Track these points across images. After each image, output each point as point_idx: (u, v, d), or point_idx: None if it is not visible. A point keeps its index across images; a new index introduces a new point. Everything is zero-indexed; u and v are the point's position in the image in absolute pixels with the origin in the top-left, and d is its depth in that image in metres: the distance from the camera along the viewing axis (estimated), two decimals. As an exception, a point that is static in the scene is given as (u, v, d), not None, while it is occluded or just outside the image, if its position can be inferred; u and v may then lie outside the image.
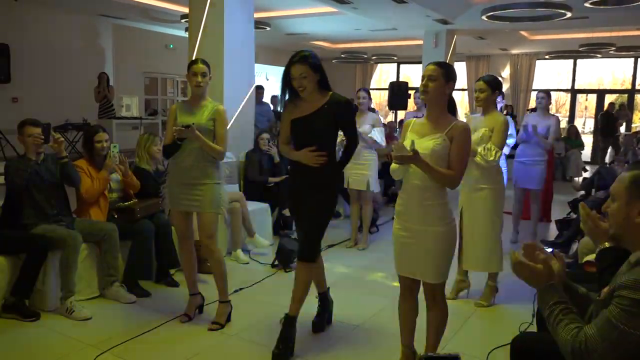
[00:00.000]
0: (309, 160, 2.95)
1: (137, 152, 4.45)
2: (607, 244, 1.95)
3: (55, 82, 10.20)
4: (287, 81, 2.95)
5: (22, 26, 9.78)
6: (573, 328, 1.57)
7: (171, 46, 12.69)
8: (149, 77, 13.06)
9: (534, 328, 3.11)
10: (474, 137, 3.66)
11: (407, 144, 2.51)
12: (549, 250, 4.21)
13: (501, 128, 3.73)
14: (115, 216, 4.03)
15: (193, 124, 3.17)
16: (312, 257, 3.09)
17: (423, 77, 2.59)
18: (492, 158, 3.65)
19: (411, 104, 9.17)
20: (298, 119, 2.99)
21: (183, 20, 9.95)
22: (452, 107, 2.65)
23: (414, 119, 2.75)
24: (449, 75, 2.58)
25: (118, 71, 11.62)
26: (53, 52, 10.30)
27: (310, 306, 3.35)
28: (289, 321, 3.08)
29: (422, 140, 2.57)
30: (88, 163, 3.97)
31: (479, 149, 3.68)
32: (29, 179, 3.57)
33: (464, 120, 4.02)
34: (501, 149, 3.73)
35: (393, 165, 2.64)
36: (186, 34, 6.21)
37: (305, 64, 2.86)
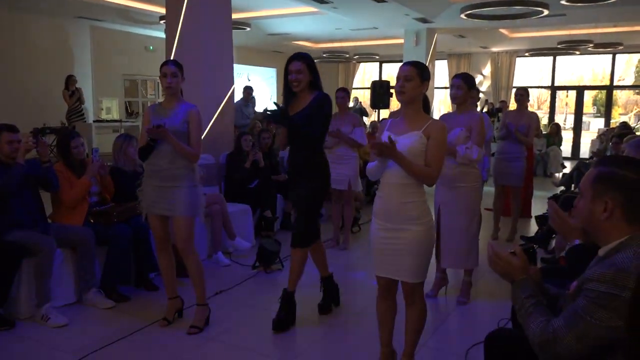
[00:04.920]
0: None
1: (113, 155, 4.40)
2: (577, 240, 1.96)
3: (31, 86, 10.06)
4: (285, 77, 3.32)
5: (-4, 29, 9.64)
6: (542, 320, 1.58)
7: (151, 48, 12.55)
8: (129, 79, 12.93)
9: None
10: (450, 136, 3.66)
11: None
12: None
13: (479, 125, 3.73)
14: (92, 221, 3.97)
15: (165, 124, 3.12)
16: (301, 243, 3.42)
17: (398, 78, 2.59)
18: (475, 157, 3.65)
19: (394, 103, 9.20)
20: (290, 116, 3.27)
21: (162, 22, 9.88)
22: (426, 106, 2.66)
23: (390, 119, 2.75)
24: (424, 75, 2.59)
25: (97, 74, 11.48)
26: (29, 55, 10.15)
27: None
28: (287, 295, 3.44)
29: (399, 138, 2.57)
30: (65, 167, 3.92)
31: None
32: (4, 185, 3.49)
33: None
34: (481, 146, 3.73)
35: (369, 166, 2.64)
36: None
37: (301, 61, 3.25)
